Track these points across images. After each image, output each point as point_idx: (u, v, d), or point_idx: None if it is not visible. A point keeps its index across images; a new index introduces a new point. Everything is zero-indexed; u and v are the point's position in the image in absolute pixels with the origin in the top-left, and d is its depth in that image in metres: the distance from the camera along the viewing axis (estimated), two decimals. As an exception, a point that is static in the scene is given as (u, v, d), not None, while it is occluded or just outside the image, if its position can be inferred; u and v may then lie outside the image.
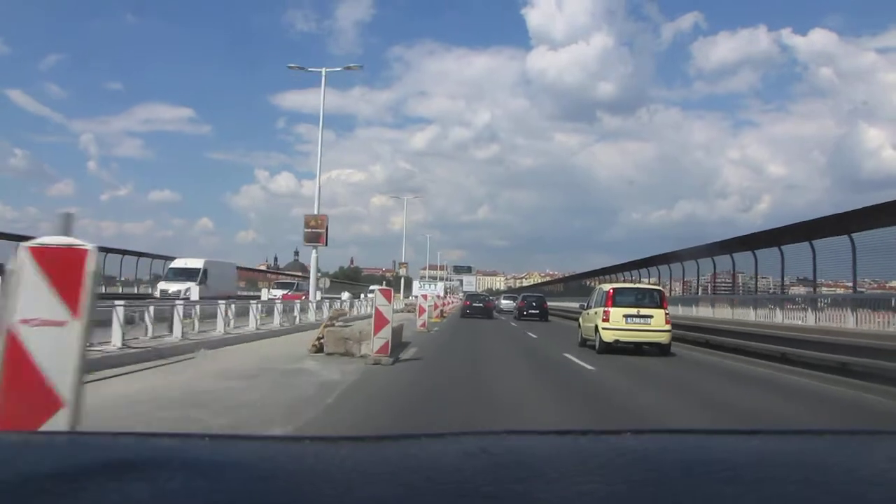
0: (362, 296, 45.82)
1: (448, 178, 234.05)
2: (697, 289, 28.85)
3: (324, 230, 24.81)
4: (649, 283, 28.64)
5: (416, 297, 32.97)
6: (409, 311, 29.09)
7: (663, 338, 15.03)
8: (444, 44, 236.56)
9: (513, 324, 29.35)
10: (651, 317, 15.00)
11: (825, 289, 19.36)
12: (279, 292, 32.18)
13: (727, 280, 26.56)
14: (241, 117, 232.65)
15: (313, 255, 25.39)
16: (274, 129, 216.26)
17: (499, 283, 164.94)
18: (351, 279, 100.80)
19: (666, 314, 15.19)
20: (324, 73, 25.68)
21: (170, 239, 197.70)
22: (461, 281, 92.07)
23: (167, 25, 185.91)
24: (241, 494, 0.66)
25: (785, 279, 21.31)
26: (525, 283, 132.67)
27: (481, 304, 35.62)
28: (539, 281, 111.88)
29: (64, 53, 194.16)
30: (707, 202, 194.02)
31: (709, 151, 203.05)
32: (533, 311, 33.64)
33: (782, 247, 20.52)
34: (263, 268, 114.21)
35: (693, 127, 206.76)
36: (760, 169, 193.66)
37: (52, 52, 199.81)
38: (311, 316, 21.67)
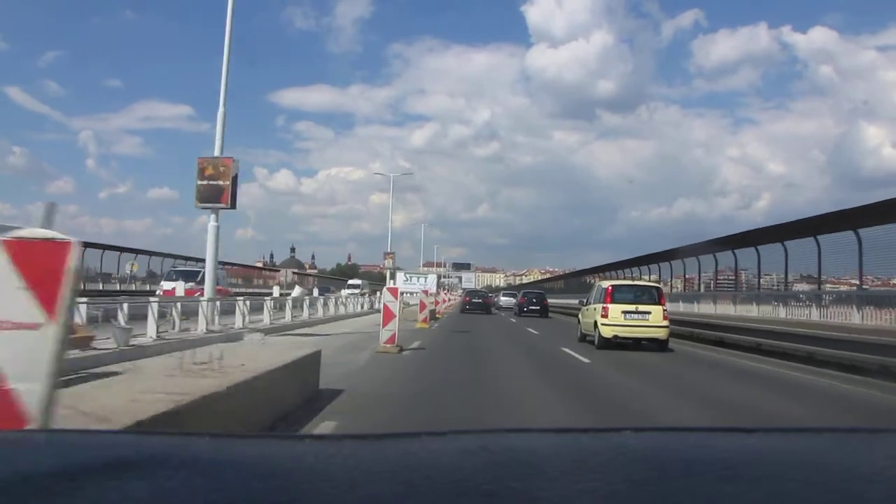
0: (344, 292, 40.78)
1: (448, 177, 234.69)
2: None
3: (228, 183, 15.42)
4: (648, 280, 29.18)
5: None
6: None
7: (661, 333, 15.23)
8: (443, 41, 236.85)
9: (532, 331, 22.43)
10: (649, 313, 15.20)
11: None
12: (170, 285, 22.20)
13: (728, 277, 26.80)
14: (239, 115, 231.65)
15: (211, 223, 15.99)
16: (273, 126, 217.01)
17: (498, 279, 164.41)
18: (348, 276, 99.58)
19: (664, 310, 15.40)
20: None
21: (169, 236, 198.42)
22: (460, 278, 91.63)
23: (165, 22, 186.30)
24: (241, 493, 0.66)
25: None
26: (525, 279, 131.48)
27: (480, 301, 37.38)
28: (539, 278, 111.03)
29: (63, 50, 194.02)
30: (706, 200, 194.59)
31: (708, 149, 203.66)
32: (533, 308, 33.85)
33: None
34: (260, 265, 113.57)
35: (693, 125, 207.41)
36: (760, 167, 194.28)
37: (50, 49, 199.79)
38: (202, 326, 13.08)
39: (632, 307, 15.22)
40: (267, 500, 0.65)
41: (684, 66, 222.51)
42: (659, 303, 15.51)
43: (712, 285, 27.16)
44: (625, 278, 33.39)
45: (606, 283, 16.60)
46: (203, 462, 0.73)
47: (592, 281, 37.43)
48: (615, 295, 15.51)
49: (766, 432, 0.95)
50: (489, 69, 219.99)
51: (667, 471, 0.75)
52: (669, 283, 31.52)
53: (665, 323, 15.30)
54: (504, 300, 46.50)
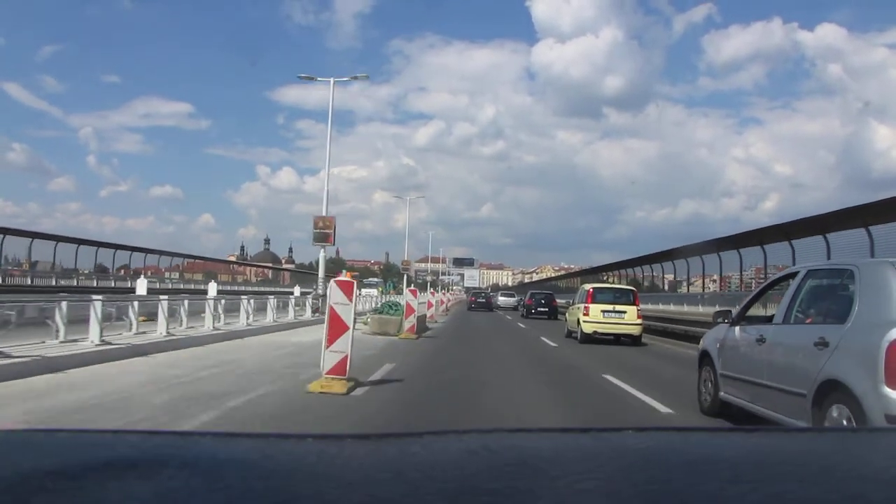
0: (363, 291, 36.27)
1: (451, 175, 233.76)
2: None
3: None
4: (624, 284, 31.35)
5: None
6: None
7: (634, 330, 17.27)
8: (444, 37, 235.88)
9: (521, 325, 24.68)
10: (625, 312, 17.22)
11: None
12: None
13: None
14: (240, 113, 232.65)
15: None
16: (274, 125, 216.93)
17: (506, 277, 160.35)
18: (328, 271, 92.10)
19: (637, 310, 17.47)
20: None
21: (171, 235, 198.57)
22: (462, 275, 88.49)
23: (164, 15, 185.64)
24: (243, 493, 0.66)
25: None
26: (536, 277, 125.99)
27: (483, 300, 45.63)
28: (554, 275, 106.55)
29: (60, 45, 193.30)
30: (712, 201, 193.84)
31: (713, 150, 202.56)
32: (542, 310, 33.41)
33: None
34: (232, 259, 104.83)
35: (697, 124, 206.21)
36: (767, 167, 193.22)
37: (47, 44, 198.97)
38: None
39: (610, 307, 17.23)
40: (268, 499, 0.65)
41: (694, 62, 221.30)
42: (633, 303, 17.47)
43: (753, 285, 25.52)
44: (632, 276, 33.56)
45: (588, 286, 18.93)
46: (204, 462, 0.73)
47: (605, 277, 40.90)
48: (596, 296, 17.65)
49: (767, 432, 0.95)
50: (492, 66, 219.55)
51: (668, 471, 0.75)
52: (687, 282, 31.36)
53: (638, 321, 17.29)
54: (502, 300, 50.25)
